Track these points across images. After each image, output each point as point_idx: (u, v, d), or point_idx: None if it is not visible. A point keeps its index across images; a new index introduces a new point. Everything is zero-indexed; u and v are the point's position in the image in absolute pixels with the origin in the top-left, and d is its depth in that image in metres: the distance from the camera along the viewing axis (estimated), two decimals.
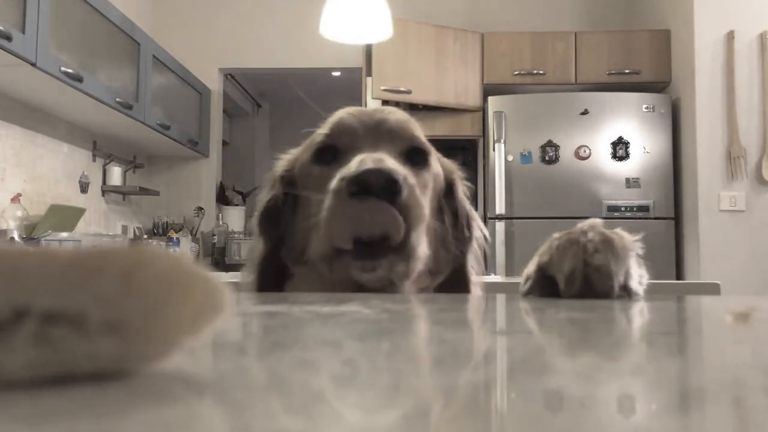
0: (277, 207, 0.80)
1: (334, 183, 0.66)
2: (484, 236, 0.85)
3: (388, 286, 0.70)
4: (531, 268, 0.63)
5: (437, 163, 0.81)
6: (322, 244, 0.67)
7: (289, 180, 0.80)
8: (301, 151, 0.82)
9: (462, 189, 0.85)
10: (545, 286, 0.60)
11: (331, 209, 0.65)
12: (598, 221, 0.61)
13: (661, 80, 3.66)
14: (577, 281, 0.56)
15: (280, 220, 0.80)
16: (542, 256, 0.61)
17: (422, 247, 0.68)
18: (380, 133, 0.76)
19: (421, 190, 0.71)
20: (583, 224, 0.61)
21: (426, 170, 0.77)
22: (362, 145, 0.73)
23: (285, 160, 0.84)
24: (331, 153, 0.75)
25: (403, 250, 0.66)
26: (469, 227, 0.83)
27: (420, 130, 0.80)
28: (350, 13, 2.37)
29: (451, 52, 3.72)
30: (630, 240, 0.60)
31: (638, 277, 0.59)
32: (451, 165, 0.85)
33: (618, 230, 0.60)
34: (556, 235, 0.62)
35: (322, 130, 0.78)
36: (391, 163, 0.67)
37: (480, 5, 4.23)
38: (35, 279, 0.19)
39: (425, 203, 0.71)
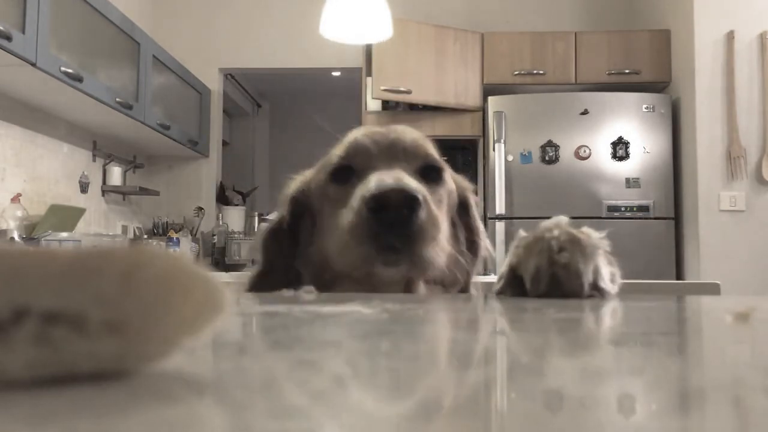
0: (282, 229, 0.83)
1: (355, 200, 0.68)
2: (491, 255, 0.87)
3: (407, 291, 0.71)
4: (504, 268, 0.63)
5: (451, 179, 0.83)
6: (345, 258, 0.69)
7: (302, 201, 0.83)
8: (315, 172, 0.84)
9: (475, 205, 0.87)
10: (516, 285, 0.60)
11: (353, 225, 0.67)
12: (563, 219, 0.61)
13: (661, 80, 3.66)
14: (543, 280, 0.56)
15: (286, 238, 0.82)
16: (512, 256, 0.62)
17: (439, 259, 0.70)
18: (395, 152, 0.77)
19: (436, 206, 0.73)
20: (547, 222, 0.61)
21: (441, 186, 0.79)
22: (378, 165, 0.75)
23: (297, 181, 0.86)
24: (346, 173, 0.77)
25: (420, 261, 0.67)
26: (479, 244, 0.85)
27: (433, 148, 0.81)
28: (350, 13, 2.37)
29: (451, 52, 3.72)
30: (597, 237, 0.59)
31: (609, 275, 0.59)
32: (465, 182, 0.87)
33: (584, 228, 0.60)
34: (524, 234, 0.62)
35: (337, 151, 0.79)
36: (409, 180, 0.69)
37: (480, 5, 4.23)
38: (35, 279, 0.19)
39: (442, 218, 0.73)
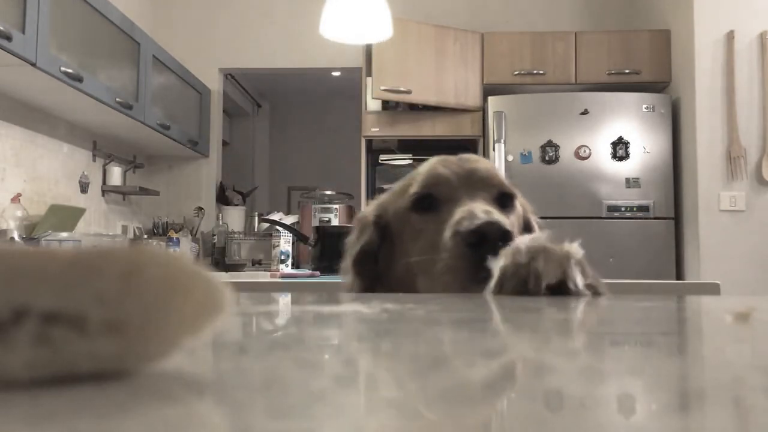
0: (372, 251, 0.87)
1: (448, 233, 0.74)
2: None
3: None
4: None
5: (520, 205, 0.88)
6: (442, 288, 0.74)
7: (382, 225, 0.87)
8: (391, 197, 0.89)
9: (537, 226, 0.91)
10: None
11: (453, 257, 0.73)
12: (542, 235, 0.67)
13: (661, 80, 3.66)
14: (508, 280, 0.61)
15: (374, 261, 0.87)
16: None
17: None
18: (473, 181, 0.82)
19: None
20: (526, 236, 0.67)
21: (513, 213, 0.84)
22: (458, 194, 0.80)
23: (374, 205, 0.91)
24: (427, 202, 0.82)
25: None
26: None
27: (503, 176, 0.87)
28: (350, 13, 2.37)
29: (451, 52, 3.72)
30: (573, 249, 0.63)
31: (580, 280, 0.63)
32: (527, 204, 0.92)
33: (566, 243, 0.64)
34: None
35: (417, 180, 0.84)
36: (498, 215, 0.74)
37: (480, 5, 4.23)
38: (35, 279, 0.19)
39: None
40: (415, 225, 0.82)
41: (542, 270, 0.60)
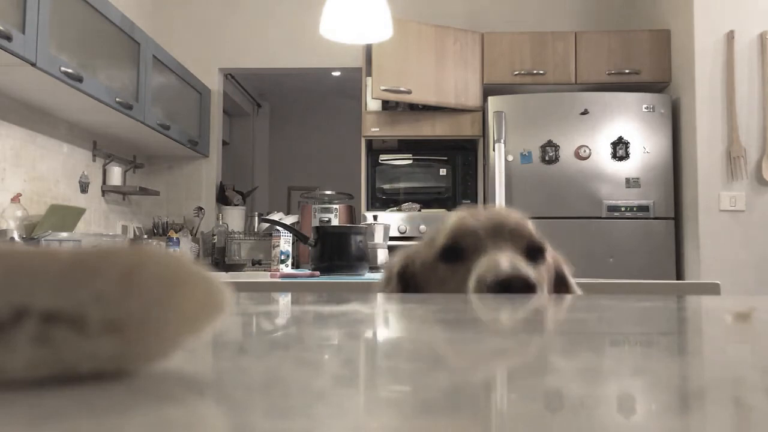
0: None
1: (474, 282, 0.75)
2: None
3: None
4: None
5: (551, 257, 0.88)
6: None
7: (407, 276, 0.89)
8: (419, 247, 0.90)
9: (571, 277, 0.92)
10: None
11: None
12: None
13: (661, 80, 3.66)
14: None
15: None
16: None
17: None
18: (501, 233, 0.83)
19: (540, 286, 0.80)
20: None
21: (542, 265, 0.85)
22: (486, 246, 0.81)
23: (402, 256, 0.92)
24: (455, 253, 0.83)
25: None
26: None
27: (533, 228, 0.87)
28: (350, 13, 2.37)
29: (451, 52, 3.72)
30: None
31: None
32: (558, 256, 0.93)
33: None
34: None
35: (445, 232, 0.85)
36: (522, 264, 0.76)
37: (480, 5, 4.23)
38: (35, 279, 0.19)
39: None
40: (441, 274, 0.83)
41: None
